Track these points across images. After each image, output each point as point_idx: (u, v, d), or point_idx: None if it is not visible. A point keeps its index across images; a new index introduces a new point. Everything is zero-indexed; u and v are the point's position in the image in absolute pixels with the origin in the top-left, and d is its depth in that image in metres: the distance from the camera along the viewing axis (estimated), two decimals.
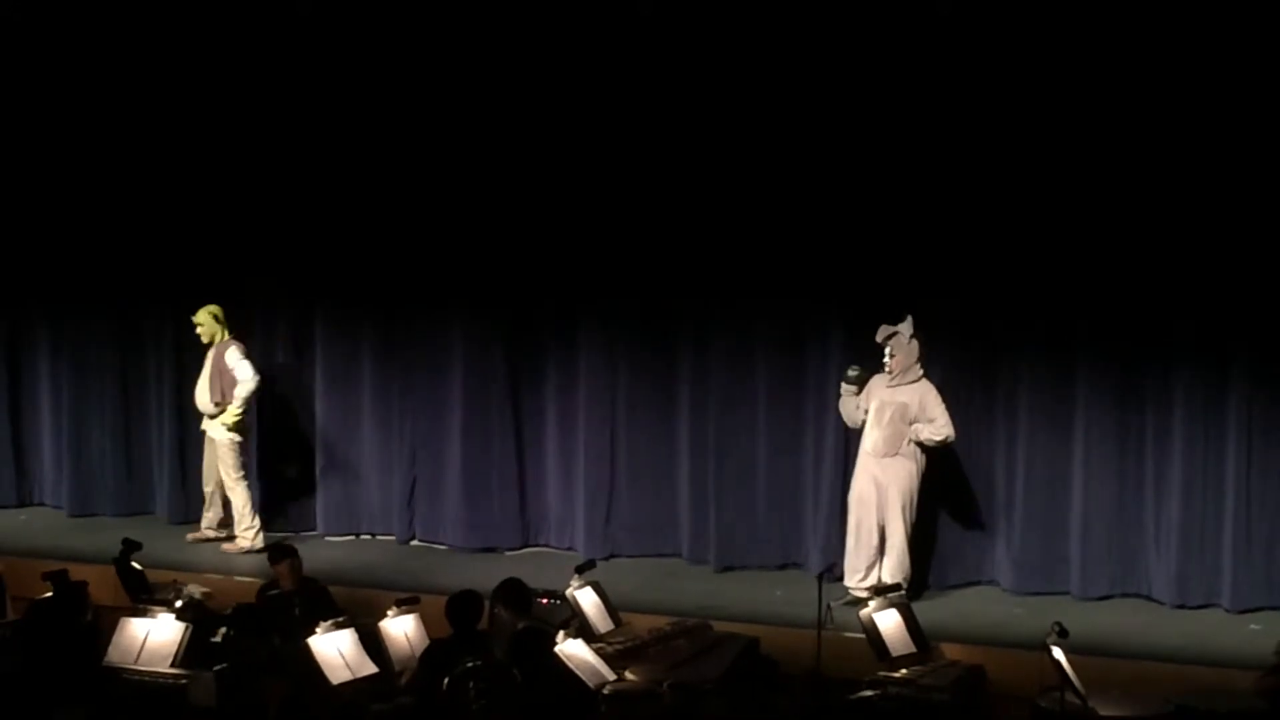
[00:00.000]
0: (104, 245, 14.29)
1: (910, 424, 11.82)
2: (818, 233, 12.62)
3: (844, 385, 12.05)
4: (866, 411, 11.97)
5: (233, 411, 13.30)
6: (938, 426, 11.85)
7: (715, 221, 12.83)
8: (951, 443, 11.94)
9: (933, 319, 12.38)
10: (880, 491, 11.87)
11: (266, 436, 13.88)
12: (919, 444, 11.86)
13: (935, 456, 12.02)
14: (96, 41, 14.08)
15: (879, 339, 11.88)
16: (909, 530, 11.86)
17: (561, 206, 13.24)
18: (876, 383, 11.97)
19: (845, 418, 12.15)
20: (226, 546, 13.38)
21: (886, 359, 11.87)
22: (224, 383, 13.32)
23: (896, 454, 11.86)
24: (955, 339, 12.44)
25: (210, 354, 13.40)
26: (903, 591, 11.50)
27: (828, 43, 12.43)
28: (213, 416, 13.38)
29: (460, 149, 13.36)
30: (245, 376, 13.30)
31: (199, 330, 13.41)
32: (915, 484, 11.90)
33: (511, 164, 13.29)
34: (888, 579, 11.66)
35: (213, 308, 13.40)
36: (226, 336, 13.41)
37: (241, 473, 13.39)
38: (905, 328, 11.85)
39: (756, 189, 12.72)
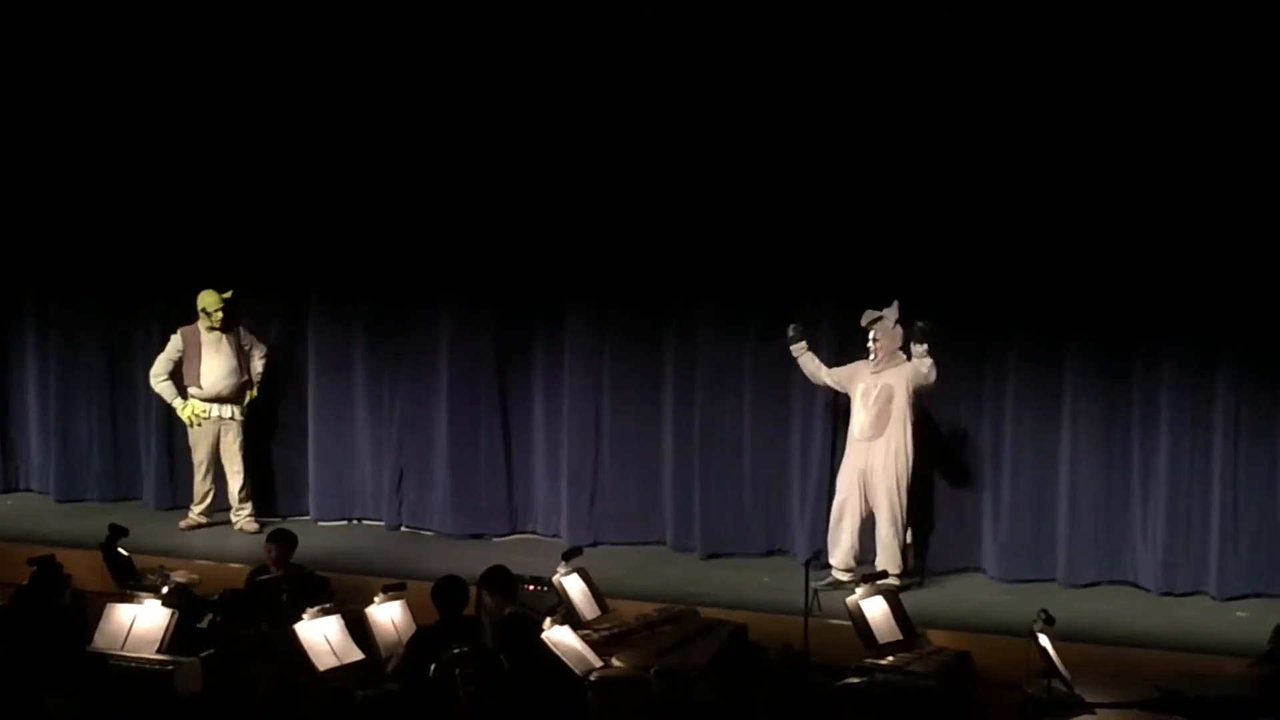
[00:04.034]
0: (93, 230, 14.27)
1: (897, 404, 11.80)
2: (806, 220, 12.62)
3: (792, 348, 12.08)
4: (831, 379, 12.02)
5: (255, 390, 13.59)
6: (925, 369, 11.79)
7: (703, 209, 12.82)
8: (933, 383, 11.88)
9: (921, 307, 12.39)
10: (865, 476, 11.89)
11: (260, 422, 13.86)
12: (910, 406, 11.81)
13: (921, 437, 12.01)
14: (91, 31, 14.03)
15: (864, 323, 11.90)
16: (900, 517, 11.85)
17: (550, 195, 13.22)
18: (860, 369, 11.98)
19: (810, 377, 12.19)
20: (245, 525, 13.48)
21: (871, 344, 11.88)
22: (244, 365, 13.49)
23: (883, 436, 11.86)
24: (943, 327, 12.41)
25: (224, 338, 13.45)
26: (891, 579, 11.53)
27: (820, 34, 12.41)
28: (230, 399, 13.47)
29: (451, 138, 13.34)
30: (262, 354, 13.65)
31: (219, 314, 13.41)
32: (904, 467, 11.87)
33: (501, 153, 13.27)
34: (881, 568, 11.71)
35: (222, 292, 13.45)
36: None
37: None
38: (891, 313, 11.86)
39: (745, 177, 12.70)
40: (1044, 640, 9.47)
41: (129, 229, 14.17)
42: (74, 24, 14.07)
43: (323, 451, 13.96)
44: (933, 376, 11.80)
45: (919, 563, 12.28)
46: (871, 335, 11.88)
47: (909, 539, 12.01)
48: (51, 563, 11.01)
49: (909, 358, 11.86)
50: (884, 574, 11.49)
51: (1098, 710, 9.43)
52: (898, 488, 11.86)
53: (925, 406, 12.41)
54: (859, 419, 11.94)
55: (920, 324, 11.77)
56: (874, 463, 11.88)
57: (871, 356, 11.90)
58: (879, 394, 11.86)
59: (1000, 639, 10.77)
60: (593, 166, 13.09)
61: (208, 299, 13.41)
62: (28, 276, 14.67)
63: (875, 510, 11.87)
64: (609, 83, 12.95)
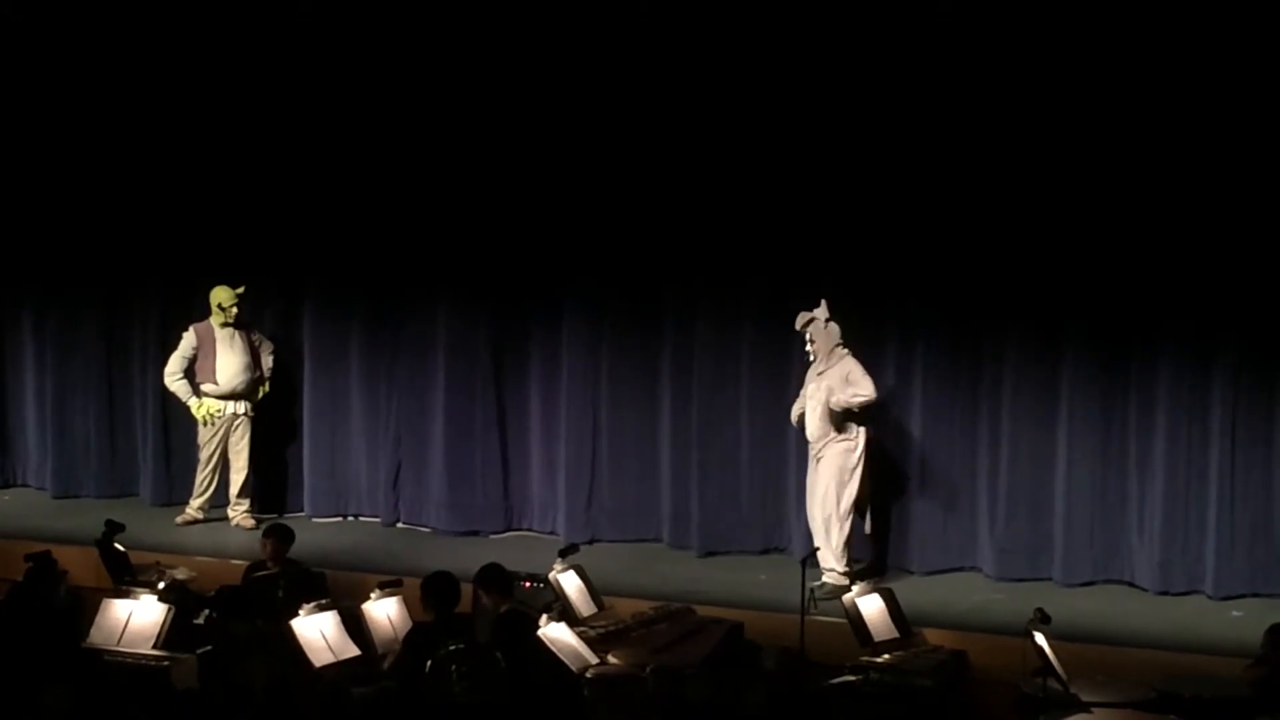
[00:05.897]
0: (90, 227, 14.27)
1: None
2: (803, 219, 12.62)
3: None
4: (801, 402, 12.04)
5: (268, 385, 13.63)
6: (853, 390, 11.72)
7: (700, 206, 12.83)
8: (872, 403, 11.80)
9: (919, 305, 12.41)
10: (813, 477, 11.90)
11: (256, 418, 13.84)
12: (843, 412, 11.73)
13: (872, 432, 11.96)
14: (91, 30, 14.03)
15: (798, 327, 11.88)
16: (837, 513, 11.77)
17: (546, 191, 13.23)
18: (808, 375, 11.97)
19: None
20: (242, 521, 13.45)
21: (809, 345, 11.86)
22: (256, 360, 13.55)
23: (827, 437, 11.84)
24: (940, 325, 12.44)
25: (237, 334, 13.44)
26: (835, 578, 11.54)
27: (818, 31, 12.41)
28: (244, 395, 13.47)
29: (446, 134, 13.35)
30: (270, 350, 13.68)
31: (235, 309, 13.40)
32: (850, 465, 11.81)
33: (497, 149, 13.27)
34: (823, 565, 11.69)
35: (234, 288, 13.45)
36: None
37: None
38: (821, 311, 11.83)
39: (743, 175, 12.71)
40: (1040, 639, 9.46)
41: (127, 226, 14.17)
42: (74, 23, 14.06)
43: (318, 448, 13.96)
44: (853, 401, 11.75)
45: (882, 559, 12.34)
46: (807, 337, 11.86)
47: (847, 536, 11.89)
48: (47, 558, 11.03)
49: (847, 351, 11.82)
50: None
51: (1093, 709, 9.42)
52: (840, 487, 11.81)
53: (922, 405, 12.43)
54: (810, 422, 11.94)
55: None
56: (821, 460, 11.87)
57: (812, 359, 11.88)
58: (820, 394, 11.84)
59: (996, 638, 10.77)
60: (589, 164, 13.09)
61: (223, 294, 13.38)
62: (26, 272, 14.66)
63: (818, 506, 11.84)
64: (605, 80, 12.94)
